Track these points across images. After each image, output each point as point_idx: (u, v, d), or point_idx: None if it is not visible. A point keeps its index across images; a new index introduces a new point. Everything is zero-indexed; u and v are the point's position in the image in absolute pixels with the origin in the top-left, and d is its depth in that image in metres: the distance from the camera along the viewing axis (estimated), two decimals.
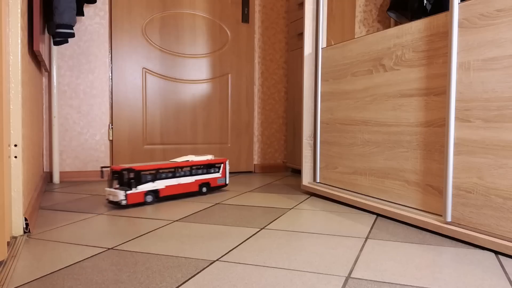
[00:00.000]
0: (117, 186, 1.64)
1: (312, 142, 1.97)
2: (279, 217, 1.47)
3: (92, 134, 2.36)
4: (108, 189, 1.63)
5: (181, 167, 1.81)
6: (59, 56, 2.28)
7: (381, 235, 1.23)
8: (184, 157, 1.85)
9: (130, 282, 0.86)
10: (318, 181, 1.93)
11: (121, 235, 1.22)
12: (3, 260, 0.98)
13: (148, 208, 1.61)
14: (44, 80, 2.28)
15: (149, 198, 1.68)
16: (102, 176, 1.74)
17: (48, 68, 2.09)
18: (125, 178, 1.61)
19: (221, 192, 2.00)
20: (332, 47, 1.82)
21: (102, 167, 1.65)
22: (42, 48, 1.72)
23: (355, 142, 1.68)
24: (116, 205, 1.63)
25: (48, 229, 1.29)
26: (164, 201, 1.76)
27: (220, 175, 1.99)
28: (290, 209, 1.61)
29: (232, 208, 1.63)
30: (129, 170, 1.60)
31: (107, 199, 1.63)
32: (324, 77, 1.88)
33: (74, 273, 0.91)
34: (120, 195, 1.57)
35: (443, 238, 1.21)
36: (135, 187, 1.61)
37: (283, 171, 2.91)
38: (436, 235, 1.24)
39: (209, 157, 1.94)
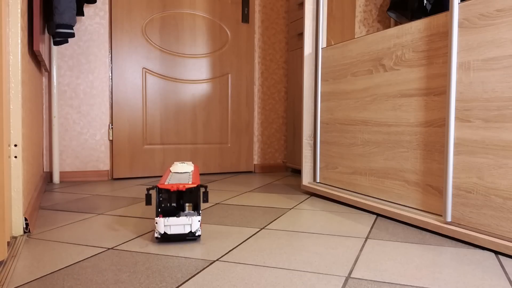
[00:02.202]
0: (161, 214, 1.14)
1: (312, 142, 1.97)
2: (279, 217, 1.47)
3: (92, 134, 2.36)
4: (162, 219, 1.11)
5: None
6: (59, 56, 2.28)
7: (381, 235, 1.23)
8: (180, 164, 1.39)
9: (130, 282, 0.86)
10: (318, 181, 1.93)
11: (121, 235, 1.22)
12: (3, 260, 0.98)
13: (146, 207, 1.61)
14: (44, 80, 2.28)
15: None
16: (149, 202, 1.13)
17: (48, 68, 2.09)
18: (193, 197, 1.17)
19: (221, 191, 2.00)
20: (332, 47, 1.82)
21: (148, 189, 1.11)
22: (42, 48, 1.72)
23: (355, 142, 1.68)
24: (182, 239, 1.17)
25: (48, 229, 1.29)
26: None
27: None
28: (290, 209, 1.61)
29: (232, 208, 1.63)
30: (202, 186, 1.16)
31: (161, 234, 1.12)
32: (324, 77, 1.88)
33: (74, 273, 0.91)
34: (196, 223, 1.13)
35: (443, 238, 1.21)
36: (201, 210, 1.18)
37: (283, 171, 2.91)
38: (436, 235, 1.24)
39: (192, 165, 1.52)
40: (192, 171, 1.36)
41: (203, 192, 1.16)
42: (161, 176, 2.54)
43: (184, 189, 1.13)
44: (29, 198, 1.40)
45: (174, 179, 1.20)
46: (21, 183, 1.16)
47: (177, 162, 1.44)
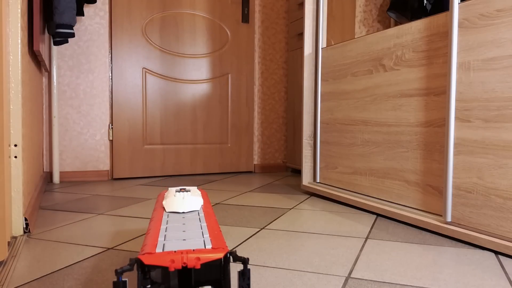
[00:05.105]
0: None
1: (312, 142, 1.97)
2: (279, 217, 1.47)
3: (92, 134, 2.36)
4: None
5: None
6: (59, 56, 2.28)
7: (381, 235, 1.23)
8: (178, 195, 0.82)
9: (130, 282, 0.86)
10: (318, 181, 1.93)
11: (121, 235, 1.22)
12: (3, 260, 0.98)
13: (147, 206, 1.61)
14: (44, 80, 2.28)
15: None
16: None
17: (48, 68, 2.09)
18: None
19: (221, 191, 2.00)
20: (332, 47, 1.82)
21: (120, 272, 0.53)
22: (42, 48, 1.72)
23: (355, 142, 1.68)
24: None
25: (48, 229, 1.29)
26: None
27: None
28: (290, 209, 1.61)
29: (232, 208, 1.63)
30: (235, 258, 0.57)
31: None
32: (324, 77, 1.88)
33: (74, 273, 0.91)
34: None
35: (443, 238, 1.21)
36: None
37: (283, 171, 2.91)
38: (436, 235, 1.24)
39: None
40: (202, 206, 0.80)
41: (241, 273, 0.58)
42: (161, 177, 2.54)
43: (198, 266, 0.55)
44: (29, 198, 1.40)
45: (173, 234, 0.63)
46: (21, 183, 1.16)
47: (173, 189, 0.89)
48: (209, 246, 0.57)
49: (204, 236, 0.62)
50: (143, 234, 1.22)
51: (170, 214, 0.75)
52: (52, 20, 1.89)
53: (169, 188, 0.89)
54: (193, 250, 0.55)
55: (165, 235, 0.62)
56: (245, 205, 1.68)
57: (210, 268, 0.58)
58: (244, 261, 0.57)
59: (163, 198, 0.86)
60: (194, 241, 0.60)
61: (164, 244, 0.57)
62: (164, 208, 0.78)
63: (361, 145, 1.65)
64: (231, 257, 0.57)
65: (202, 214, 0.75)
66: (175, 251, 0.54)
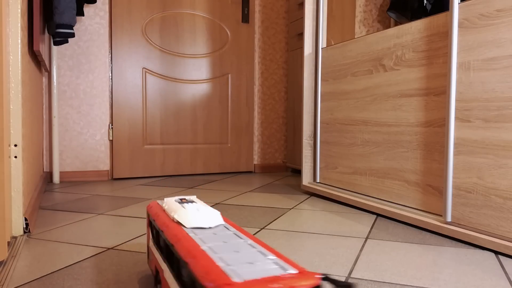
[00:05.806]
0: None
1: (312, 142, 1.97)
2: (279, 217, 1.47)
3: (92, 134, 2.36)
4: None
5: None
6: (59, 56, 2.28)
7: (381, 235, 1.23)
8: (188, 206, 0.71)
9: (130, 282, 0.86)
10: (318, 181, 1.93)
11: (121, 235, 1.22)
12: (3, 260, 0.98)
13: (146, 208, 1.61)
14: (44, 80, 2.28)
15: None
16: None
17: (48, 68, 2.09)
18: None
19: (221, 191, 2.00)
20: (332, 47, 1.82)
21: None
22: (42, 48, 1.72)
23: (355, 142, 1.68)
24: None
25: (48, 229, 1.29)
26: None
27: None
28: (290, 209, 1.61)
29: (232, 208, 1.63)
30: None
31: None
32: (324, 77, 1.88)
33: (74, 273, 0.91)
34: None
35: (443, 238, 1.21)
36: None
37: (283, 171, 2.91)
38: (436, 235, 1.24)
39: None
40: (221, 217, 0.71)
41: None
42: (161, 177, 2.54)
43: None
44: (29, 198, 1.40)
45: (230, 255, 0.52)
46: (21, 183, 1.16)
47: (171, 199, 0.78)
48: (291, 271, 0.46)
49: (269, 257, 0.51)
50: (143, 234, 1.22)
51: (195, 230, 0.64)
52: (52, 20, 1.89)
53: (166, 199, 0.79)
54: (279, 276, 0.44)
55: (221, 258, 0.50)
56: (245, 205, 1.68)
57: None
58: (348, 285, 0.45)
59: (161, 210, 0.76)
60: (264, 264, 0.48)
61: (235, 271, 0.46)
62: (179, 222, 0.67)
63: (361, 145, 1.65)
64: (330, 282, 0.46)
65: (233, 229, 0.65)
66: (258, 279, 0.43)
